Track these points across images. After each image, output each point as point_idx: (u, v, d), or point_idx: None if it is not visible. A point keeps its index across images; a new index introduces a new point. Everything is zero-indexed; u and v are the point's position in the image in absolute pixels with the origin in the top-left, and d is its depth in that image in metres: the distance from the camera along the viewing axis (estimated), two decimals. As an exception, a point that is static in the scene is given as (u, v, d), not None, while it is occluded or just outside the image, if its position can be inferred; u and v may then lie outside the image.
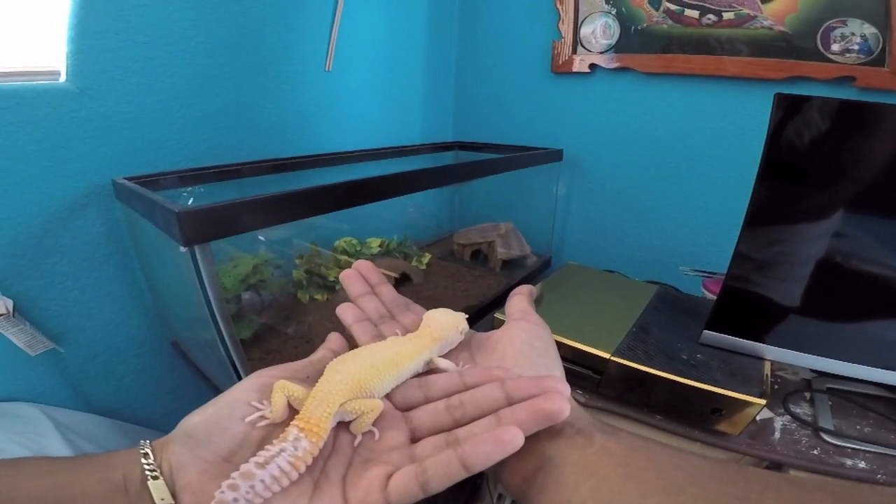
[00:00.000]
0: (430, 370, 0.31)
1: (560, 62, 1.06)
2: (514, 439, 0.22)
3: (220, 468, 0.23)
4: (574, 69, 1.04)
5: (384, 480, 0.23)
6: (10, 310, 0.62)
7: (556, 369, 0.31)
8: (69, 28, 0.61)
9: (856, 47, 0.76)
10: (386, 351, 0.29)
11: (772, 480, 0.21)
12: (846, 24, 0.76)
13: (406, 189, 0.65)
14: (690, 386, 0.55)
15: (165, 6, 0.69)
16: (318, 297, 0.81)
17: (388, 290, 0.38)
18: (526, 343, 0.32)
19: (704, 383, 0.55)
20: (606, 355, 0.59)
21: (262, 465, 0.22)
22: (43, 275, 0.65)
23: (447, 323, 0.33)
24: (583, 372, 0.62)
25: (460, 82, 1.28)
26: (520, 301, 0.36)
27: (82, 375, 0.73)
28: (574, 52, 1.04)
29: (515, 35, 1.13)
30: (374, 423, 0.26)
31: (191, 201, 0.73)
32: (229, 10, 0.76)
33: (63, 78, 0.62)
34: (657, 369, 0.57)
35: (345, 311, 0.36)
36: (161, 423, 0.85)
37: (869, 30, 0.74)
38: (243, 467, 0.22)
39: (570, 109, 1.09)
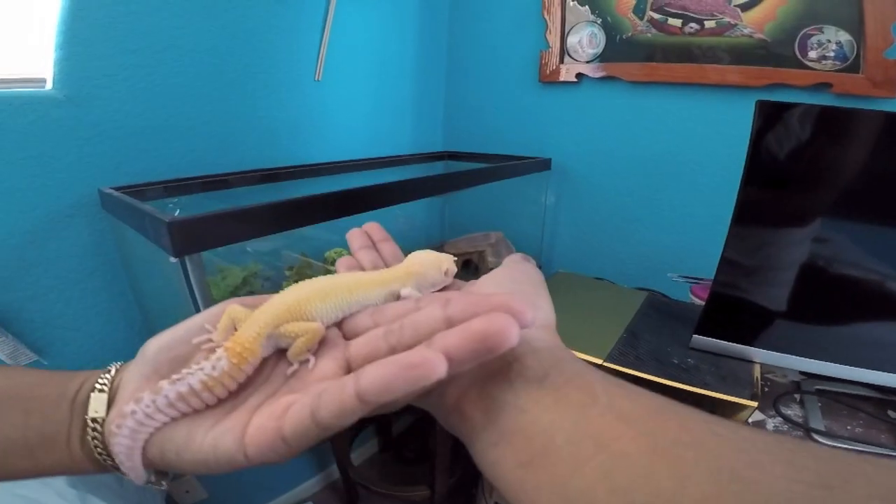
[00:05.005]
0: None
1: (548, 72, 1.07)
2: (424, 363, 0.17)
3: (152, 386, 0.22)
4: (561, 78, 1.06)
5: (287, 409, 0.20)
6: (-8, 322, 0.61)
7: (541, 298, 0.27)
8: (57, 34, 0.60)
9: (832, 54, 0.78)
10: (342, 278, 0.27)
11: (856, 463, 0.15)
12: (822, 32, 0.78)
13: (396, 199, 0.66)
14: (682, 390, 0.55)
15: (155, 14, 0.68)
16: (308, 307, 0.79)
17: (389, 246, 0.36)
18: (506, 276, 0.29)
19: (696, 387, 0.55)
20: (599, 361, 0.60)
21: (173, 382, 0.21)
22: (27, 286, 0.64)
23: (428, 261, 0.31)
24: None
25: (450, 92, 1.29)
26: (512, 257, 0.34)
27: (67, 390, 0.71)
28: (561, 61, 1.05)
29: (504, 45, 1.14)
30: (316, 354, 0.24)
31: (177, 213, 0.72)
32: (220, 20, 0.76)
33: (49, 85, 0.62)
34: (649, 374, 0.57)
35: (341, 265, 0.34)
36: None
37: (844, 36, 0.76)
38: (160, 383, 0.21)
39: (558, 118, 1.11)
